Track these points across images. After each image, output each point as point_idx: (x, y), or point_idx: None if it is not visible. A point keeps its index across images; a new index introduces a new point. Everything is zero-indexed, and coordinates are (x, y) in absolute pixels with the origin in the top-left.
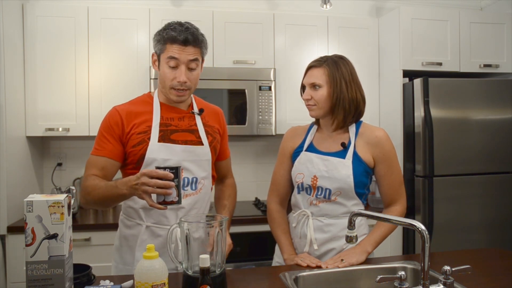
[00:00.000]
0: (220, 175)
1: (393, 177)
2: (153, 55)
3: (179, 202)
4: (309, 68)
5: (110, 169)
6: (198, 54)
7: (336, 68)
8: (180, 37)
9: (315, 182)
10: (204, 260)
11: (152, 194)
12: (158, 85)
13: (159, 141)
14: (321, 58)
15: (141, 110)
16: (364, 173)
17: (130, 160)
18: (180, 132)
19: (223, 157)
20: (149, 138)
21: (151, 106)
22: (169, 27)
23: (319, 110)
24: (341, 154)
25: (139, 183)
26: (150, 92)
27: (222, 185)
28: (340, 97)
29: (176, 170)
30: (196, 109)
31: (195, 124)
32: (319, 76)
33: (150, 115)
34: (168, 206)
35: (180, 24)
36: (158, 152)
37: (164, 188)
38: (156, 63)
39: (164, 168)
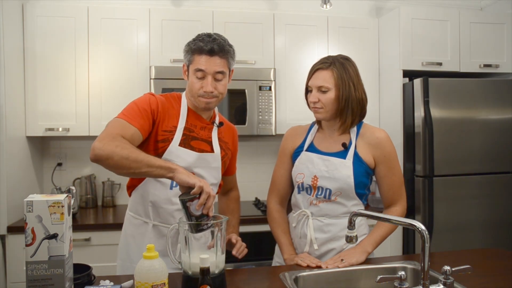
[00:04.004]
0: (225, 188)
1: (394, 178)
2: (183, 65)
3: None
4: (316, 70)
5: (136, 142)
6: (225, 66)
7: (344, 71)
8: (207, 47)
9: (315, 182)
10: (204, 260)
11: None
12: (186, 91)
13: (179, 144)
14: (327, 59)
15: (171, 107)
16: (364, 174)
17: (151, 153)
18: (200, 140)
19: (230, 173)
20: (172, 139)
21: (179, 106)
22: (197, 38)
23: (326, 113)
24: (342, 154)
25: (201, 180)
26: (180, 93)
27: (227, 198)
28: (349, 100)
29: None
30: (217, 121)
31: (212, 137)
32: (327, 79)
33: (177, 115)
34: (195, 222)
35: (208, 35)
36: (176, 155)
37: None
38: (186, 73)
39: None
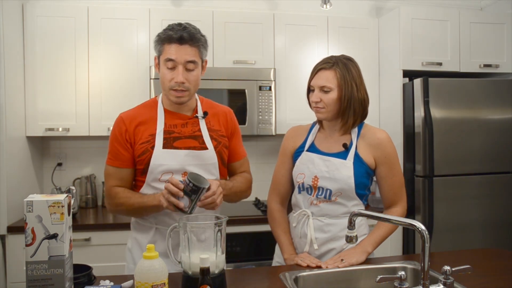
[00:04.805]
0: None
1: (394, 179)
2: (155, 58)
3: (188, 212)
4: (319, 70)
5: (129, 177)
6: (196, 55)
7: (347, 71)
8: (176, 35)
9: (316, 182)
10: (204, 260)
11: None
12: (161, 88)
13: (163, 147)
14: (330, 59)
15: (145, 117)
16: (365, 174)
17: (137, 168)
18: (183, 139)
19: (236, 158)
20: (152, 147)
21: (156, 111)
22: (167, 27)
23: (328, 113)
24: (343, 155)
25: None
26: (156, 96)
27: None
28: (351, 100)
29: (199, 189)
30: (200, 113)
31: (199, 130)
32: (330, 79)
33: (154, 121)
34: (177, 212)
35: (178, 24)
36: (163, 159)
37: (172, 196)
38: (158, 66)
39: (190, 181)
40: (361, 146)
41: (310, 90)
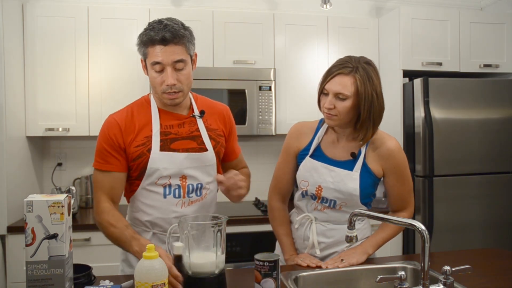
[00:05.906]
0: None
1: (403, 187)
2: (141, 61)
3: None
4: (337, 74)
5: (119, 183)
6: (183, 53)
7: (368, 79)
8: (158, 36)
9: (319, 192)
10: (178, 248)
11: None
12: (151, 90)
13: (160, 150)
14: (350, 63)
15: (139, 118)
16: (371, 184)
17: (131, 173)
18: (181, 140)
19: (232, 157)
20: (148, 150)
21: (149, 111)
22: (148, 27)
23: (339, 121)
24: (350, 165)
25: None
26: (149, 94)
27: None
28: (371, 111)
29: (276, 262)
30: (196, 112)
31: (197, 129)
32: (348, 85)
33: (149, 123)
34: None
35: (159, 22)
36: (160, 162)
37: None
38: (145, 69)
39: (263, 262)
40: (370, 155)
41: (323, 93)
